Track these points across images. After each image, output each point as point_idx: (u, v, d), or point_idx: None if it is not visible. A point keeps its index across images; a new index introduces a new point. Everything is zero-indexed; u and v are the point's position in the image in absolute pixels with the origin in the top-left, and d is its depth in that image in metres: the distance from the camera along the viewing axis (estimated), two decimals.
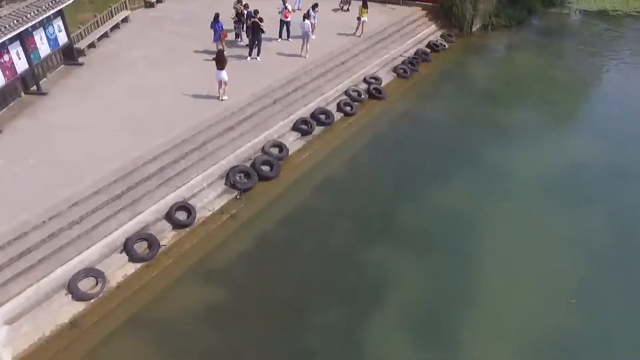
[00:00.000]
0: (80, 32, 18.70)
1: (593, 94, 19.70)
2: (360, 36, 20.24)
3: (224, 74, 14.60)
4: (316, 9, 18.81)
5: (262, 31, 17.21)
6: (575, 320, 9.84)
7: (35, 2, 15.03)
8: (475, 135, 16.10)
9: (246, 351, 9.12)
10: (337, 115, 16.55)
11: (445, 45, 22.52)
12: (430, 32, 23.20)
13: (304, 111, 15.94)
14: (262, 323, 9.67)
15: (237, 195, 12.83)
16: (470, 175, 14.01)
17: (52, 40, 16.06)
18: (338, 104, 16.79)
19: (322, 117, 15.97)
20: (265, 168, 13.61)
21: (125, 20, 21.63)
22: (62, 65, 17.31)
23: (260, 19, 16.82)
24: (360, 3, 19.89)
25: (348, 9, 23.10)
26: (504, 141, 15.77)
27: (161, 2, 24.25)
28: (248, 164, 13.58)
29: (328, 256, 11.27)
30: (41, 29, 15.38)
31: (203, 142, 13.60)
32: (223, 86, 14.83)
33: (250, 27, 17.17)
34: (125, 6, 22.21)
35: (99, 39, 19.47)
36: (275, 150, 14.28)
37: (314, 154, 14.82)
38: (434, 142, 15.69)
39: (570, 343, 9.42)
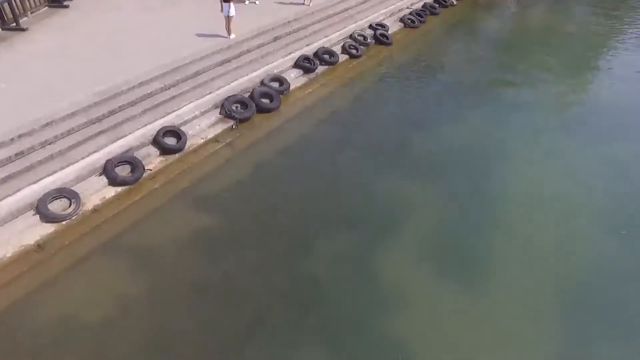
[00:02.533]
0: None
1: (613, 44, 18.45)
2: None
3: (231, 8, 13.30)
4: None
5: None
6: (618, 250, 8.50)
7: None
8: (490, 78, 14.88)
9: (239, 280, 7.73)
10: (342, 57, 15.27)
11: (453, 2, 21.30)
12: None
13: (307, 50, 14.66)
14: (259, 251, 8.32)
15: (232, 125, 11.52)
16: (487, 111, 12.77)
17: None
18: (343, 46, 15.52)
19: (326, 56, 14.69)
20: (265, 100, 12.31)
21: None
22: (46, 7, 16.04)
23: None
24: None
25: None
26: (520, 82, 14.52)
27: None
28: (246, 96, 12.26)
29: (333, 184, 9.94)
30: None
31: (196, 72, 12.31)
32: (230, 23, 13.54)
33: None
34: None
35: None
36: (275, 84, 12.98)
37: (317, 90, 13.53)
38: (446, 83, 14.46)
39: (613, 273, 8.05)
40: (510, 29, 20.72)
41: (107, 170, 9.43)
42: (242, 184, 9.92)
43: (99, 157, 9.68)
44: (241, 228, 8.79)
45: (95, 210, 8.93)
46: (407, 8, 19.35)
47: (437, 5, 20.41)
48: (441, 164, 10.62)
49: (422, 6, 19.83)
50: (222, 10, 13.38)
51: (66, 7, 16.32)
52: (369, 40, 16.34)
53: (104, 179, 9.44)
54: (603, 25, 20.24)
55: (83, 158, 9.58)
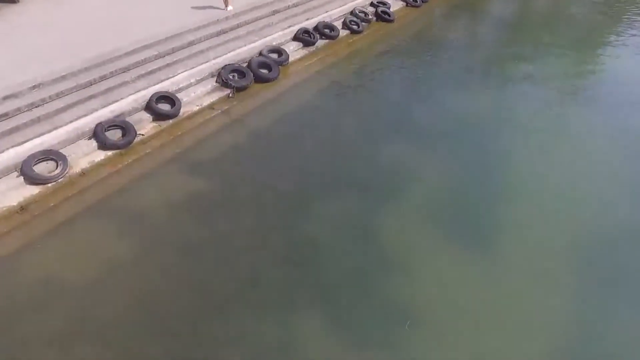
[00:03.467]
0: None
1: (620, 25, 17.96)
2: None
3: None
4: None
5: None
6: (635, 209, 8.01)
7: None
8: (494, 52, 14.43)
9: (234, 242, 7.26)
10: (343, 32, 14.80)
11: None
12: None
13: (307, 24, 14.20)
14: (256, 213, 7.87)
15: (229, 94, 11.07)
16: (492, 83, 12.36)
17: None
18: (344, 21, 15.05)
19: (326, 30, 14.22)
20: (263, 70, 11.86)
21: None
22: None
23: None
24: None
25: None
26: (528, 57, 14.03)
27: None
28: (244, 65, 11.81)
29: (334, 150, 9.48)
30: None
31: (191, 42, 11.89)
32: None
33: None
34: None
35: None
36: (274, 55, 12.52)
37: (317, 62, 13.07)
38: (449, 58, 13.96)
39: (630, 232, 7.55)
40: (515, 8, 20.25)
41: (97, 133, 8.99)
42: (238, 150, 9.48)
43: (89, 121, 9.25)
44: (237, 191, 8.35)
45: (83, 173, 8.49)
46: None
47: None
48: (445, 131, 10.15)
49: None
50: None
51: (14, 2, 15.85)
52: (370, 17, 15.88)
53: (93, 143, 9.00)
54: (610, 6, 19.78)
55: (72, 121, 9.15)
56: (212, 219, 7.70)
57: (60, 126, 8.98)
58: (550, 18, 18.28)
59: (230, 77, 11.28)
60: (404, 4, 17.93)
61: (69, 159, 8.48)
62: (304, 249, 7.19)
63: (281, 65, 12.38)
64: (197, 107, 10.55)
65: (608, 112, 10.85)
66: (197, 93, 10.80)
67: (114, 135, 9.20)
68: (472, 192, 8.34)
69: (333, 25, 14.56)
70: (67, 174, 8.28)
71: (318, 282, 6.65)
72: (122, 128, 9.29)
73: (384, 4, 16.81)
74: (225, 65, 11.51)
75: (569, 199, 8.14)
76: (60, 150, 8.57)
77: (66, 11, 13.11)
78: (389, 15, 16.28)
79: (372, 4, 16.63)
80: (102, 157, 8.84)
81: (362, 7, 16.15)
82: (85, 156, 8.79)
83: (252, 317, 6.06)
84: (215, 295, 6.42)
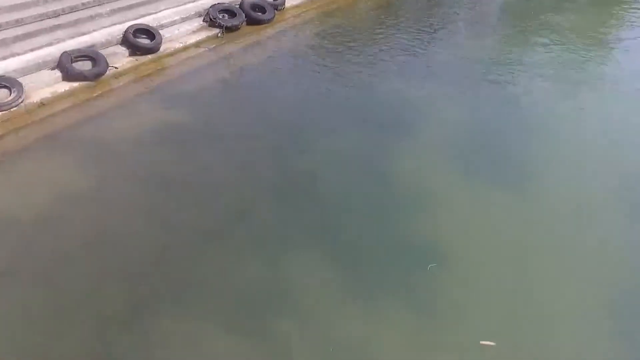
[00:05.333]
0: None
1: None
2: None
3: None
4: None
5: None
6: None
7: None
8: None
9: (217, 174, 6.01)
10: None
11: None
12: None
13: None
14: (244, 144, 6.61)
15: (218, 33, 9.83)
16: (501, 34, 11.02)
17: None
18: None
19: None
20: (256, 11, 10.62)
21: None
22: None
23: None
24: None
25: None
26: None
27: None
28: (235, 6, 10.58)
29: (333, 87, 8.22)
30: None
31: None
32: None
33: None
34: None
35: None
36: None
37: (318, 8, 11.84)
38: (465, 10, 12.68)
39: None
40: None
41: (62, 62, 7.76)
42: (225, 84, 8.29)
43: (53, 51, 8.01)
44: (221, 123, 7.13)
45: (43, 104, 7.26)
46: None
47: None
48: (457, 71, 8.90)
49: None
50: None
51: None
52: None
53: (57, 73, 7.77)
54: None
55: (32, 50, 7.91)
56: (192, 151, 6.45)
57: (19, 54, 7.75)
58: None
59: (220, 16, 10.04)
60: None
61: (26, 87, 7.25)
62: (299, 182, 5.94)
63: (277, 9, 11.14)
64: (181, 45, 9.32)
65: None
66: (181, 30, 9.59)
67: (83, 66, 7.97)
68: (492, 125, 7.07)
69: None
70: (22, 103, 7.05)
71: (316, 218, 5.38)
72: (92, 59, 8.07)
73: None
74: (214, 4, 10.28)
75: (612, 132, 6.87)
76: (18, 79, 7.34)
77: None
78: None
79: None
80: (67, 88, 7.61)
81: None
82: (47, 87, 7.56)
83: (233, 258, 4.80)
84: (191, 233, 5.15)
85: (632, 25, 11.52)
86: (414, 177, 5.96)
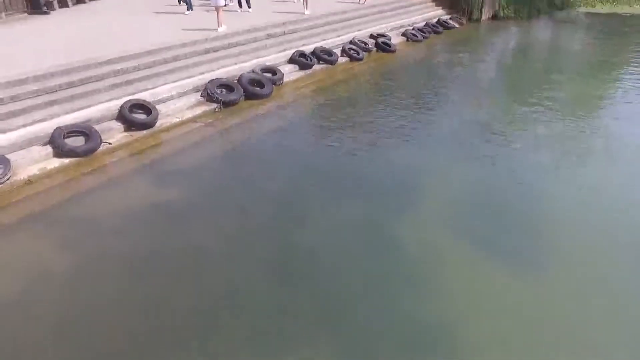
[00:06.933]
0: None
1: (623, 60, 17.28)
2: (363, 3, 18.26)
3: None
4: None
5: None
6: None
7: None
8: (497, 82, 13.48)
9: (208, 251, 5.62)
10: (342, 59, 13.95)
11: (455, 25, 20.57)
12: (438, 14, 21.38)
13: (303, 49, 13.33)
14: (237, 220, 6.27)
15: (216, 108, 9.84)
16: (499, 106, 11.14)
17: None
18: (343, 49, 14.27)
19: (324, 55, 13.36)
20: (255, 86, 10.73)
21: None
22: (25, 14, 14.97)
23: None
24: None
25: None
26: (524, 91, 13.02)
27: None
28: (234, 81, 10.69)
29: (331, 160, 8.02)
30: None
31: (176, 57, 10.84)
32: (219, 14, 12.35)
33: None
34: None
35: (75, 2, 17.43)
36: (267, 74, 11.46)
37: (314, 84, 12.02)
38: (452, 84, 12.91)
39: None
40: (515, 45, 19.76)
41: (54, 138, 7.61)
42: (220, 160, 8.09)
43: (46, 126, 7.89)
44: (217, 199, 6.84)
45: (30, 181, 7.01)
46: (409, 26, 18.46)
47: (440, 26, 19.60)
48: (457, 139, 8.79)
49: (425, 25, 19.00)
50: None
51: (47, 13, 15.31)
52: (370, 47, 15.15)
53: (48, 149, 7.59)
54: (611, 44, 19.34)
55: (25, 126, 7.79)
56: (181, 231, 6.09)
57: (11, 130, 7.60)
58: (553, 51, 17.68)
59: (218, 91, 10.10)
60: (405, 38, 17.43)
61: (14, 164, 7.02)
62: (296, 258, 5.56)
63: (275, 84, 11.28)
64: (178, 120, 9.28)
65: None
66: (178, 105, 9.58)
67: (75, 141, 7.81)
68: (499, 192, 6.81)
69: (331, 51, 13.74)
70: (7, 181, 6.78)
71: (315, 299, 4.94)
72: (85, 135, 7.93)
73: (384, 36, 16.19)
74: (212, 79, 10.38)
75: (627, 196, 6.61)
76: (7, 155, 7.12)
77: (46, 29, 12.28)
78: (390, 46, 15.56)
79: (372, 36, 15.99)
80: (56, 165, 7.40)
81: (361, 37, 15.47)
82: (36, 163, 7.35)
83: (224, 352, 4.31)
84: (174, 321, 4.69)
85: (624, 92, 11.67)
86: (419, 254, 5.59)
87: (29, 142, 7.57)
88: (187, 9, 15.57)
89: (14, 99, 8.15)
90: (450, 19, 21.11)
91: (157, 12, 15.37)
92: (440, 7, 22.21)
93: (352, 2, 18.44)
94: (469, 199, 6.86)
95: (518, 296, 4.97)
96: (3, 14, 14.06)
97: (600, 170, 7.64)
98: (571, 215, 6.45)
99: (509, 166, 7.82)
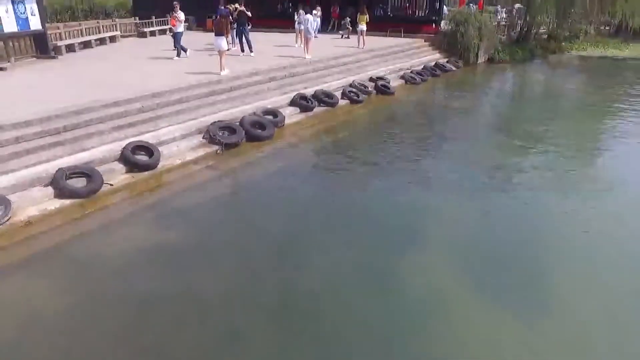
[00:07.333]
0: (61, 33, 17.24)
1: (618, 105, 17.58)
2: (362, 48, 18.81)
3: (222, 42, 12.61)
4: (317, 10, 17.64)
5: (249, 23, 16.01)
6: None
7: None
8: (493, 125, 13.70)
9: (207, 293, 5.53)
10: (342, 102, 14.22)
11: (453, 68, 21.12)
12: (436, 57, 21.99)
13: (304, 92, 13.61)
14: (237, 262, 6.21)
15: (217, 150, 9.93)
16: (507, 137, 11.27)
17: (22, 20, 14.30)
18: (343, 92, 14.58)
19: (325, 98, 13.63)
20: (256, 128, 10.87)
21: (113, 39, 20.44)
22: (34, 58, 15.37)
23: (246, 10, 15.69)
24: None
25: (348, 37, 22.12)
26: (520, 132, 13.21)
27: (154, 35, 23.34)
28: (235, 123, 10.86)
29: (338, 202, 8.01)
30: (9, 2, 13.72)
31: (179, 99, 11.06)
32: (222, 58, 12.70)
33: (237, 18, 15.78)
34: (116, 27, 21.20)
35: (82, 47, 17.97)
36: (269, 116, 11.65)
37: (315, 126, 12.20)
38: (450, 128, 13.11)
39: None
40: (508, 89, 20.19)
41: (56, 179, 7.63)
42: (221, 202, 8.07)
43: (49, 167, 7.93)
44: (218, 242, 6.78)
45: (30, 222, 6.96)
46: (408, 69, 18.94)
47: (437, 70, 20.12)
48: (457, 180, 8.82)
49: (423, 68, 19.50)
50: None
51: (54, 57, 15.74)
52: (369, 89, 15.48)
53: (49, 190, 7.59)
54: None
55: (27, 167, 7.83)
56: (181, 274, 5.98)
57: (13, 171, 7.65)
58: (548, 93, 18.05)
59: (220, 133, 10.23)
60: (403, 81, 17.84)
61: (14, 205, 7.02)
62: (298, 301, 5.45)
63: (277, 126, 11.45)
64: (179, 161, 9.34)
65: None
66: (180, 147, 9.67)
67: (77, 183, 7.83)
68: (505, 240, 6.75)
69: (332, 94, 14.03)
70: (7, 222, 6.75)
71: (317, 342, 4.80)
72: (87, 176, 7.96)
73: (384, 79, 16.58)
74: (214, 122, 10.54)
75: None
76: (7, 196, 7.13)
77: (52, 76, 12.60)
78: (389, 89, 15.91)
79: (371, 79, 16.38)
80: (57, 206, 7.38)
81: (361, 80, 15.83)
82: (37, 204, 7.33)
83: None
84: (177, 354, 4.55)
85: (622, 132, 11.81)
86: (422, 299, 5.48)
87: (31, 183, 7.58)
88: (177, 54, 15.63)
89: (18, 140, 8.24)
90: (447, 62, 21.70)
91: (160, 58, 15.77)
92: (438, 51, 22.89)
93: (351, 46, 19.00)
94: (472, 241, 6.82)
95: (529, 345, 4.84)
96: (12, 58, 14.39)
97: (609, 210, 7.63)
98: (579, 259, 6.39)
99: (510, 207, 7.81)
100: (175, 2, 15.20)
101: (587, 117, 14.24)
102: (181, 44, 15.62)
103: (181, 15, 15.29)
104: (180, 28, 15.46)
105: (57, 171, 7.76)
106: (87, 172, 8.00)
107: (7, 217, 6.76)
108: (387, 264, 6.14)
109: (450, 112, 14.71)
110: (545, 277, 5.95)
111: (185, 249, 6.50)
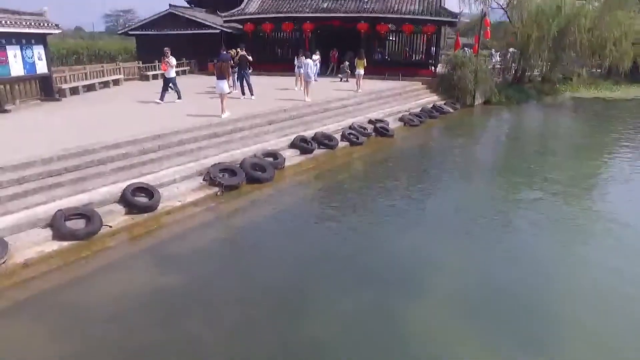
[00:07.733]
0: (66, 76, 17.65)
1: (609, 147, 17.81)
2: (359, 91, 19.19)
3: (224, 85, 12.90)
4: (317, 54, 18.14)
5: (249, 67, 16.45)
6: None
7: (18, 17, 14.02)
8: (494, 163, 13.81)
9: (207, 342, 5.39)
10: (342, 144, 14.38)
11: (450, 110, 21.50)
12: (433, 100, 22.42)
13: (304, 134, 13.78)
14: (238, 311, 6.09)
15: (218, 192, 9.93)
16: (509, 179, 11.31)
17: (29, 64, 14.71)
18: (343, 134, 14.76)
19: (325, 140, 13.78)
20: (256, 170, 10.93)
21: (117, 82, 20.90)
22: (38, 100, 15.65)
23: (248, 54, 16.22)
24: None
25: (347, 80, 22.65)
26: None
27: (156, 78, 23.86)
28: (236, 165, 10.92)
29: (338, 246, 7.94)
30: (18, 47, 14.15)
31: (180, 141, 11.17)
32: (223, 101, 12.95)
33: (238, 62, 16.23)
34: (120, 71, 21.71)
35: (86, 90, 18.36)
36: (269, 158, 11.74)
37: (315, 168, 12.26)
38: (451, 168, 13.22)
39: None
40: (505, 130, 20.46)
41: (55, 221, 7.59)
42: (221, 245, 8.01)
43: (48, 209, 7.91)
44: (217, 287, 6.67)
45: (27, 265, 6.87)
46: (406, 111, 19.27)
47: (435, 111, 20.47)
48: (460, 223, 8.77)
49: (421, 110, 19.85)
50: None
51: (59, 100, 16.04)
52: (369, 131, 15.69)
53: (47, 232, 7.55)
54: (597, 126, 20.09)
55: (27, 208, 7.81)
56: (179, 321, 5.85)
57: (12, 212, 7.62)
58: (543, 134, 18.29)
59: (220, 175, 10.28)
60: (402, 123, 18.10)
61: (11, 247, 6.94)
62: (301, 352, 5.28)
63: (276, 168, 11.51)
64: (179, 203, 9.32)
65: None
66: (180, 189, 9.68)
67: (76, 225, 7.79)
68: (510, 286, 6.64)
69: (331, 136, 14.19)
70: (3, 264, 6.66)
71: None
72: (86, 217, 7.92)
73: (382, 121, 16.83)
74: (215, 163, 10.61)
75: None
76: (5, 238, 7.07)
77: (55, 118, 12.81)
78: (388, 131, 16.12)
79: (370, 122, 16.62)
80: (55, 248, 7.30)
81: (360, 123, 16.07)
82: (35, 246, 7.26)
83: None
84: None
85: (619, 171, 11.87)
86: (426, 347, 5.33)
87: (30, 225, 7.54)
88: (160, 98, 15.71)
89: (18, 181, 8.25)
90: (444, 104, 22.10)
91: (163, 101, 16.05)
92: (435, 94, 23.36)
93: (350, 90, 19.40)
94: (475, 285, 6.71)
95: None
96: (17, 101, 14.66)
97: (608, 253, 7.56)
98: (583, 304, 6.28)
99: (511, 249, 7.74)
100: (165, 49, 15.59)
101: (581, 156, 14.37)
102: (177, 87, 15.96)
103: (172, 60, 15.65)
104: (172, 73, 15.79)
105: (56, 212, 7.73)
106: (86, 213, 7.97)
107: (3, 260, 6.67)
108: (389, 309, 6.01)
109: (448, 153, 14.86)
110: (548, 316, 5.82)
111: (184, 295, 6.38)
